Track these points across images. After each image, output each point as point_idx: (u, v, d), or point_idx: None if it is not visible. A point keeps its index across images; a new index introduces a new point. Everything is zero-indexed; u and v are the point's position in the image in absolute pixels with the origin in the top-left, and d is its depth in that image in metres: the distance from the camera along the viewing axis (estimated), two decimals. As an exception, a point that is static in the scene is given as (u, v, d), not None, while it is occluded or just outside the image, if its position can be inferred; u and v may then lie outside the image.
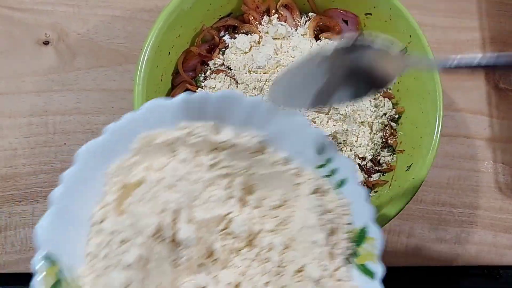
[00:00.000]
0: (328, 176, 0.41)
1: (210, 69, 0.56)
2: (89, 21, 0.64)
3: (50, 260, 0.36)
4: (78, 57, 0.63)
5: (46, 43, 0.63)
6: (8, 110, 0.60)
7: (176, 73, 0.56)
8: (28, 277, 0.57)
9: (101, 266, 0.38)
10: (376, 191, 0.56)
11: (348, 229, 0.41)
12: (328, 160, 0.41)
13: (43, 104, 0.61)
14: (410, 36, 0.54)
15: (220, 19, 0.58)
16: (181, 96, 0.40)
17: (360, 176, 0.55)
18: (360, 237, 0.41)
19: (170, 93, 0.56)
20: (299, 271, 0.40)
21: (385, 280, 0.42)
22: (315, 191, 0.41)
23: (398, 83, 0.58)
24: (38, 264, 0.36)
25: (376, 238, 0.40)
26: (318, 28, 0.58)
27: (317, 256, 0.40)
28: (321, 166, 0.41)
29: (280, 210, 0.41)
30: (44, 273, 0.36)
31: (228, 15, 0.58)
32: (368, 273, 0.40)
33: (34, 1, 0.64)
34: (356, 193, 0.41)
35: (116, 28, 0.64)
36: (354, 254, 0.41)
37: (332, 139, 0.54)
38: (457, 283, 0.65)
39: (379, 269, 0.40)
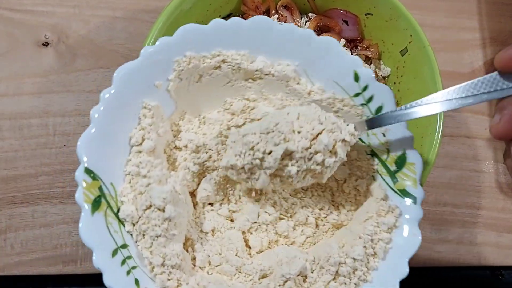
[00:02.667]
0: (365, 104, 0.41)
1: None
2: (89, 22, 0.64)
3: (92, 175, 0.37)
4: (78, 58, 0.63)
5: (45, 44, 0.63)
6: (9, 111, 0.60)
7: (176, 73, 0.56)
8: (27, 279, 0.57)
9: (141, 184, 0.39)
10: (378, 192, 0.56)
11: (387, 155, 0.42)
12: (365, 88, 0.41)
13: (44, 105, 0.61)
14: (411, 35, 0.54)
15: (220, 19, 0.58)
16: (213, 22, 0.40)
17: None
18: (399, 162, 0.41)
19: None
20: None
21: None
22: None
23: (399, 83, 0.58)
24: (81, 178, 0.37)
25: (415, 162, 0.41)
26: (318, 28, 0.58)
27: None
28: (358, 94, 0.41)
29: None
30: (87, 186, 0.37)
31: (228, 16, 0.58)
32: (409, 196, 0.41)
33: (34, 2, 0.64)
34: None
35: (117, 29, 0.64)
36: (395, 179, 0.41)
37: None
38: (460, 283, 0.65)
39: (419, 193, 0.41)
